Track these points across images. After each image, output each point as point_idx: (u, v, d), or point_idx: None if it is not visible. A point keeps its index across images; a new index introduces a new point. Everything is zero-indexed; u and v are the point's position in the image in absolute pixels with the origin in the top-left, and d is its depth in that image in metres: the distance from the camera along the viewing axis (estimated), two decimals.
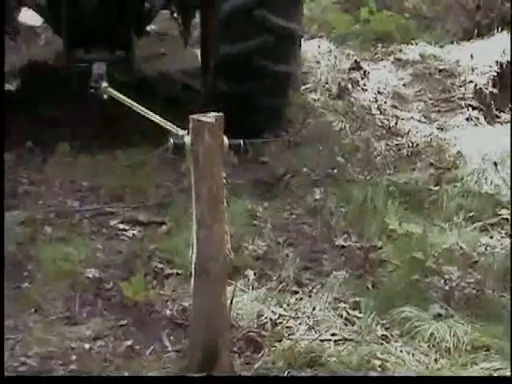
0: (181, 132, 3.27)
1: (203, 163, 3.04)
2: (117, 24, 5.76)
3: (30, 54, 7.49)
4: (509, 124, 6.30)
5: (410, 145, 5.69)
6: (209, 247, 3.08)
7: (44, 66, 7.02)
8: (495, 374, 3.13)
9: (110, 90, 4.69)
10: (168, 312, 3.68)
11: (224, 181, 3.14)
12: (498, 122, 6.42)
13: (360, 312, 3.67)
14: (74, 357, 3.40)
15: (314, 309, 3.49)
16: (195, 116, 3.08)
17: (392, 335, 3.45)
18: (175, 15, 6.47)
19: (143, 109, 4.25)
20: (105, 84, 4.81)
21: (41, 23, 7.51)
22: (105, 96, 4.74)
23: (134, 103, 4.21)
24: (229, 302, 3.29)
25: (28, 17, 7.28)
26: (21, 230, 4.50)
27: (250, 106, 5.57)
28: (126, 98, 4.33)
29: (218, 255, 3.10)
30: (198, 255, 3.10)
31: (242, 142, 3.27)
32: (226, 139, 3.11)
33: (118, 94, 4.49)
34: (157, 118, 3.84)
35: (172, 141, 3.19)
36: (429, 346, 3.41)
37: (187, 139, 3.10)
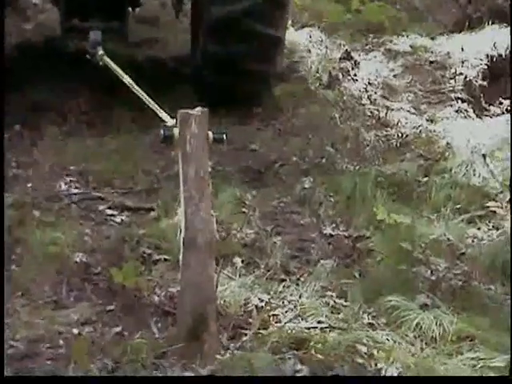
0: (170, 122, 3.46)
1: (190, 149, 3.26)
2: None
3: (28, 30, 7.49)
4: (498, 117, 6.34)
5: (400, 136, 5.70)
6: (197, 221, 3.24)
7: (40, 41, 7.02)
8: (480, 364, 3.16)
9: (106, 58, 4.82)
10: (156, 298, 3.69)
11: (210, 168, 3.33)
12: (487, 115, 6.45)
13: (346, 300, 3.68)
14: (61, 341, 3.39)
15: (300, 296, 3.50)
16: (183, 110, 3.33)
17: (378, 324, 3.47)
18: None
19: (136, 87, 4.31)
20: (101, 52, 4.93)
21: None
22: (100, 63, 4.84)
23: (127, 77, 4.30)
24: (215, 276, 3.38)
25: None
26: (9, 213, 4.48)
27: (238, 69, 5.77)
28: (119, 70, 4.46)
29: (205, 229, 3.25)
30: (187, 229, 3.24)
31: (225, 135, 3.51)
32: (210, 133, 3.35)
33: (113, 64, 4.63)
34: (146, 98, 3.91)
35: (162, 131, 3.39)
36: (415, 335, 3.43)
37: (176, 130, 3.31)
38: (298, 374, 2.85)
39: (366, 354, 3.02)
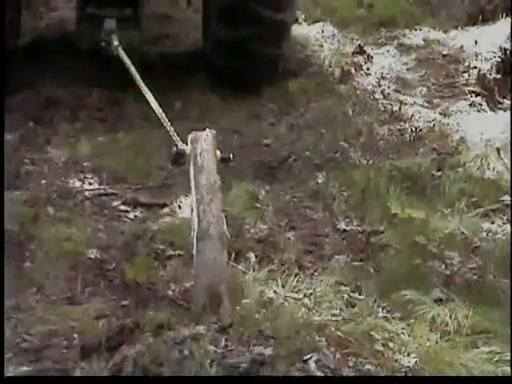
0: (181, 145, 3.82)
1: (201, 161, 3.60)
2: None
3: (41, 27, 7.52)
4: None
5: (413, 130, 5.68)
6: (208, 217, 3.41)
7: (53, 38, 7.14)
8: (496, 358, 3.14)
9: (121, 50, 5.00)
10: (170, 293, 3.69)
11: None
12: (501, 108, 6.40)
13: (361, 294, 3.67)
14: (76, 335, 3.40)
15: (314, 290, 3.50)
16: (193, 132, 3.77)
17: (393, 318, 3.46)
18: None
19: (145, 88, 4.38)
20: (116, 42, 5.23)
21: None
22: (115, 53, 5.13)
23: (138, 76, 4.41)
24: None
25: None
26: (23, 209, 4.50)
27: (247, 52, 6.00)
28: (132, 67, 4.65)
29: (216, 223, 3.41)
30: (200, 224, 3.38)
31: (231, 155, 3.91)
32: (218, 152, 3.71)
33: (126, 58, 4.82)
34: (159, 111, 4.07)
35: (175, 149, 3.79)
36: (430, 329, 3.42)
37: (187, 148, 3.70)
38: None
39: (382, 343, 3.00)
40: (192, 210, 3.52)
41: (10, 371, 3.04)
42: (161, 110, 4.31)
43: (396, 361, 2.73)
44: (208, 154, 3.62)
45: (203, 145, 3.65)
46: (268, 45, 6.06)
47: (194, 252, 3.41)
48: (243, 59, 6.03)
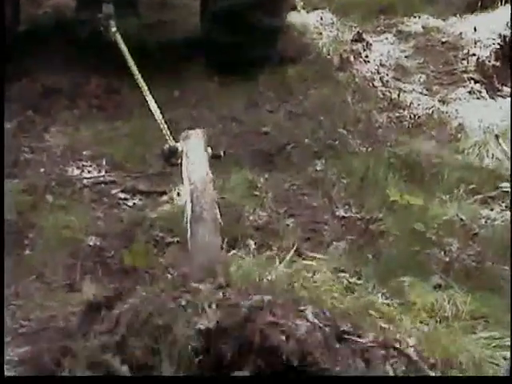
0: (172, 143, 3.94)
1: (192, 156, 3.70)
2: None
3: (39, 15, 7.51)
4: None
5: (412, 117, 5.67)
6: (202, 202, 3.44)
7: (50, 26, 7.11)
8: (494, 343, 3.15)
9: (118, 36, 5.13)
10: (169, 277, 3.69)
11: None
12: (500, 96, 6.40)
13: (360, 279, 3.67)
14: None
15: (314, 274, 3.50)
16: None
17: (393, 304, 3.46)
18: None
19: (141, 81, 4.42)
20: (114, 28, 5.26)
21: None
22: (112, 39, 5.14)
23: (134, 65, 4.45)
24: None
25: None
26: (22, 197, 4.50)
27: (246, 23, 5.95)
28: (129, 56, 4.77)
29: (210, 209, 3.43)
30: (193, 209, 3.40)
31: (222, 152, 4.06)
32: (209, 149, 3.83)
33: (123, 45, 4.95)
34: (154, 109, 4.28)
35: (167, 146, 3.91)
36: (429, 315, 3.43)
37: (179, 145, 3.82)
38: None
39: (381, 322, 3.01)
40: (186, 200, 3.56)
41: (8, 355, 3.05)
42: (154, 104, 4.36)
43: (395, 340, 2.72)
44: (199, 150, 3.76)
45: (194, 141, 3.81)
46: (268, 15, 6.06)
47: (188, 236, 3.41)
48: (242, 31, 5.99)
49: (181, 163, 3.80)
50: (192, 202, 3.43)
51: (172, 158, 3.89)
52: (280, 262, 3.54)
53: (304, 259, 3.76)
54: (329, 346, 2.64)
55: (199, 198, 3.44)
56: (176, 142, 3.93)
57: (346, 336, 2.70)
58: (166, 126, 4.15)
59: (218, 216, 3.48)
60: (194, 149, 3.76)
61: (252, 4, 5.96)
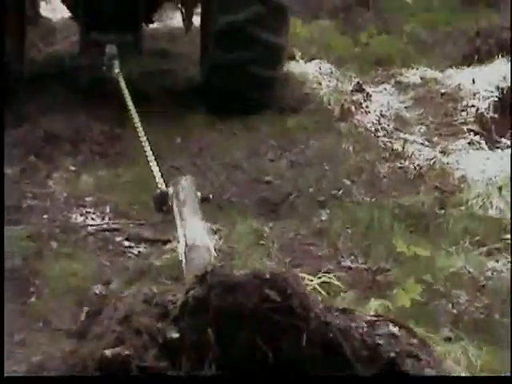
0: (163, 188, 4.07)
1: (183, 197, 3.81)
2: (127, 10, 6.59)
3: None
4: (509, 149, 6.34)
5: (414, 168, 5.70)
6: (194, 233, 3.43)
7: (52, 72, 7.19)
8: None
9: (121, 77, 5.41)
10: None
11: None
12: (498, 147, 6.45)
13: None
14: None
15: None
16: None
17: None
18: (179, 5, 7.37)
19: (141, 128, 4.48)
20: (117, 69, 5.55)
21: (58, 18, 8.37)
22: (116, 78, 5.43)
23: (133, 109, 4.52)
24: None
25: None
26: (26, 244, 4.47)
27: (244, 74, 6.25)
28: (129, 99, 5.00)
29: (202, 238, 3.39)
30: (187, 240, 3.37)
31: (210, 195, 4.21)
32: (199, 193, 3.95)
33: (124, 86, 5.23)
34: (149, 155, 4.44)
35: (158, 190, 4.04)
36: None
37: (170, 190, 3.94)
38: None
39: None
40: (179, 235, 3.57)
41: None
42: (149, 149, 4.50)
43: None
44: (189, 191, 3.86)
45: (184, 184, 3.93)
46: (264, 67, 6.31)
47: (183, 264, 3.35)
48: (240, 81, 6.25)
49: (172, 207, 3.86)
50: (185, 234, 3.44)
51: (163, 203, 3.96)
52: None
53: None
54: None
55: (191, 230, 3.47)
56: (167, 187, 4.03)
57: None
58: (158, 171, 4.23)
59: (211, 245, 3.47)
60: (184, 191, 3.86)
61: (250, 57, 6.22)
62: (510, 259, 4.61)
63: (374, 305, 3.80)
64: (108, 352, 2.49)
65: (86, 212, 5.00)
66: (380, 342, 2.54)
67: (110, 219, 4.94)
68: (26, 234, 4.59)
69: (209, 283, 2.50)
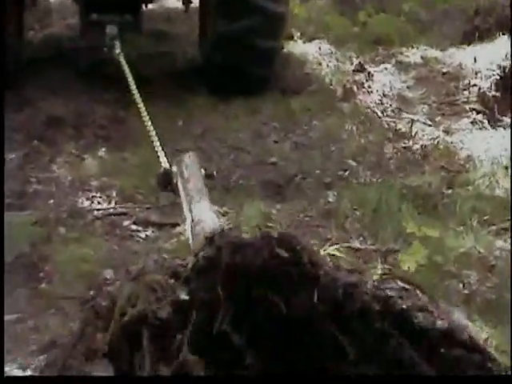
0: (167, 166, 3.97)
1: (187, 174, 3.72)
2: None
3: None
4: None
5: (419, 148, 5.68)
6: (200, 208, 3.37)
7: (53, 54, 7.15)
8: None
9: (122, 57, 5.35)
10: None
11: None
12: (501, 126, 6.43)
13: None
14: None
15: None
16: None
17: None
18: None
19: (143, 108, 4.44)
20: (118, 49, 5.51)
21: None
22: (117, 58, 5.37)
23: (135, 88, 4.48)
24: None
25: None
26: (34, 229, 4.44)
27: (245, 46, 6.16)
28: (130, 77, 4.93)
29: (208, 211, 3.35)
30: (193, 215, 3.32)
31: (214, 172, 4.30)
32: (203, 170, 3.83)
33: (126, 66, 5.15)
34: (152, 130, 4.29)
35: (163, 168, 3.94)
36: None
37: (174, 168, 3.85)
38: None
39: None
40: (184, 213, 3.51)
41: None
42: (152, 129, 4.42)
43: None
44: (193, 169, 3.78)
45: (187, 161, 3.84)
46: (265, 37, 6.25)
47: (190, 241, 3.31)
48: (241, 54, 6.19)
49: (176, 184, 3.80)
50: (191, 210, 3.40)
51: (167, 181, 3.89)
52: None
53: None
54: None
55: (197, 206, 3.42)
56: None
57: None
58: (161, 149, 4.16)
59: (216, 220, 3.43)
60: (188, 168, 3.80)
61: (251, 27, 6.16)
62: None
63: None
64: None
65: (92, 196, 4.97)
66: (391, 294, 2.55)
67: (116, 203, 4.91)
68: (33, 219, 4.56)
69: (218, 244, 2.52)
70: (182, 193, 3.67)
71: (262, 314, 2.46)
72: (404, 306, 2.52)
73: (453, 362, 2.49)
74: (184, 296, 2.49)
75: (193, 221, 3.32)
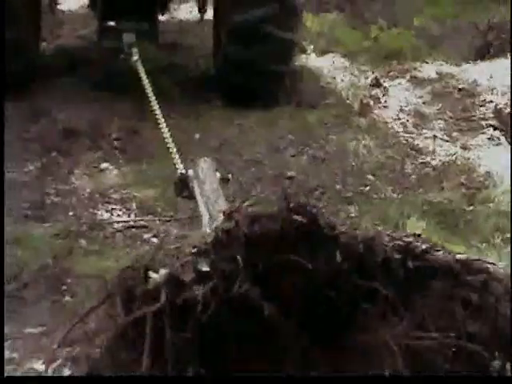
0: (183, 170, 3.94)
1: (203, 176, 3.72)
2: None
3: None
4: None
5: (437, 163, 5.66)
6: (217, 206, 3.35)
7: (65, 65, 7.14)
8: None
9: (140, 64, 5.32)
10: None
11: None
12: None
13: None
14: None
15: None
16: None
17: None
18: None
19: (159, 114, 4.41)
20: (136, 56, 5.50)
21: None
22: (137, 66, 5.34)
23: (153, 97, 4.45)
24: None
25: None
26: (56, 242, 4.41)
27: (256, 69, 6.29)
28: (148, 86, 4.87)
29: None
30: (210, 213, 3.34)
31: (230, 175, 4.26)
32: (218, 174, 3.81)
33: (143, 73, 5.12)
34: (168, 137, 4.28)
35: (179, 173, 3.92)
36: None
37: (190, 171, 3.82)
38: None
39: None
40: (202, 213, 3.50)
41: None
42: (169, 136, 4.37)
43: None
44: (208, 172, 3.78)
45: (203, 165, 3.83)
46: (276, 62, 6.35)
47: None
48: (252, 75, 6.29)
49: (193, 188, 3.78)
50: (208, 208, 3.41)
51: (184, 187, 3.86)
52: None
53: None
54: None
55: (214, 205, 3.42)
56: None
57: None
58: (176, 154, 4.13)
59: None
60: (204, 172, 3.79)
61: (263, 52, 6.26)
62: None
63: None
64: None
65: (112, 209, 4.94)
66: (409, 240, 2.72)
67: (136, 216, 4.88)
68: (54, 231, 4.53)
69: (236, 218, 2.61)
70: (197, 194, 3.66)
71: (284, 277, 2.57)
72: (424, 247, 2.69)
73: (479, 286, 2.67)
74: (205, 267, 2.55)
75: (210, 217, 3.31)
